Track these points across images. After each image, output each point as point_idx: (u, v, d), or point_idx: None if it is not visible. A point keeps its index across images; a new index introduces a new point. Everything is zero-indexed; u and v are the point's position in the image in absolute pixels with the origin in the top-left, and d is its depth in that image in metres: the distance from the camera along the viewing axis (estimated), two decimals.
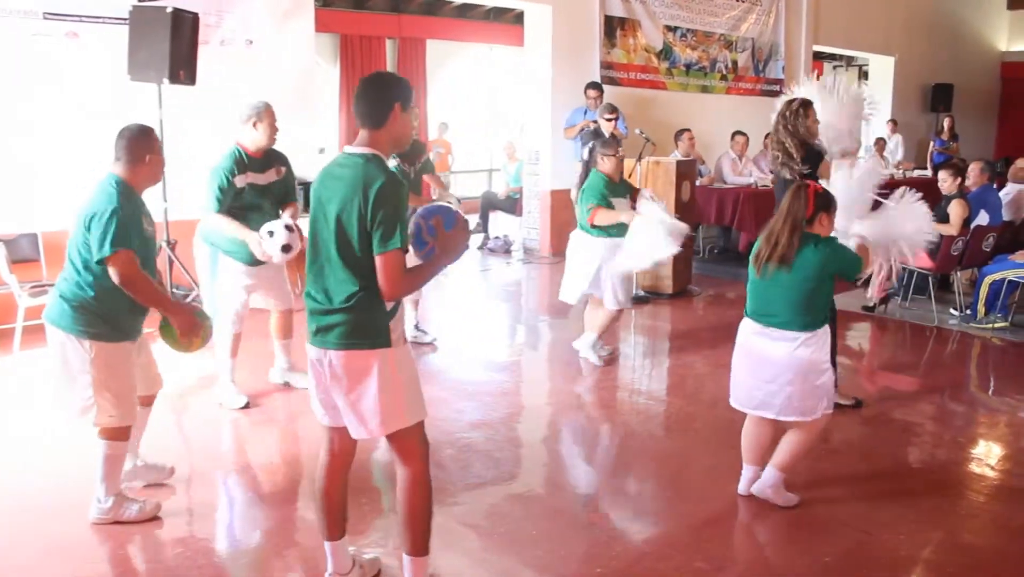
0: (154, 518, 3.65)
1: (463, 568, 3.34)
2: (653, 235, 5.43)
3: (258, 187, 4.78)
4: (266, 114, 4.76)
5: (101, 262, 3.37)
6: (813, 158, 4.88)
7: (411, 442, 2.92)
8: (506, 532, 3.62)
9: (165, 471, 4.01)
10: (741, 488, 3.92)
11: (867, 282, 4.96)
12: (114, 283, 3.40)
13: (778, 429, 3.87)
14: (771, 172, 5.16)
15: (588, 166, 5.97)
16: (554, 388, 5.82)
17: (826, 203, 3.67)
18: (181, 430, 4.78)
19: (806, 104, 4.97)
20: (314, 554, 3.44)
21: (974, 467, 4.44)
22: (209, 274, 4.90)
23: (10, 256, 6.16)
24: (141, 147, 3.54)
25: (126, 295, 3.45)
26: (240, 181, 4.69)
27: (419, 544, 2.97)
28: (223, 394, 5.02)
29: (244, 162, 4.72)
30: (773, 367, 3.66)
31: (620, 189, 5.84)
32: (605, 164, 5.77)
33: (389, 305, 2.84)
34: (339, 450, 3.04)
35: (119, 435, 3.58)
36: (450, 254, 2.90)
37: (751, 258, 3.78)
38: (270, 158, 4.86)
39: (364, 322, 2.80)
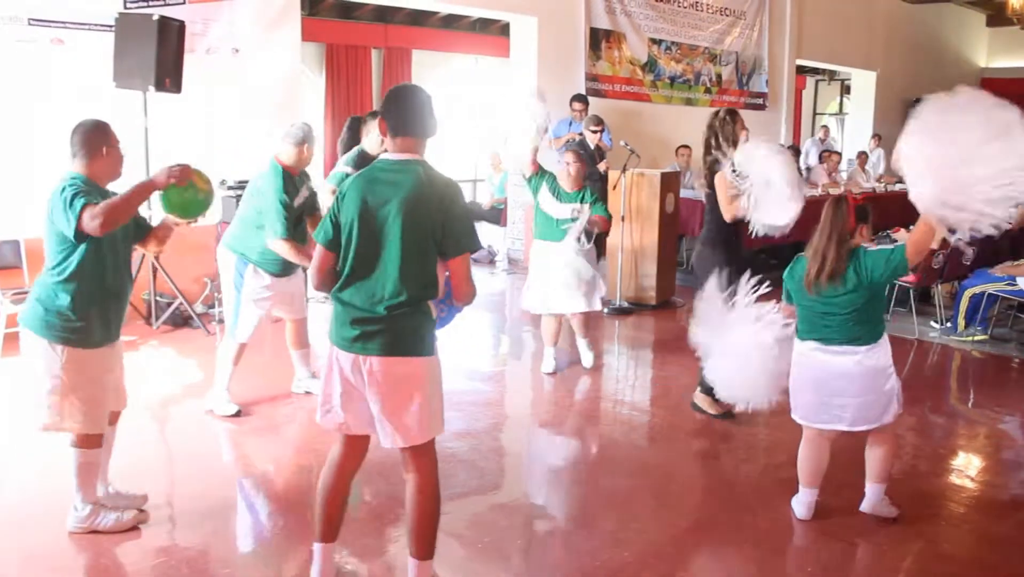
0: (132, 528, 3.62)
1: None
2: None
3: (299, 205, 4.85)
4: (313, 138, 4.86)
5: (77, 235, 3.27)
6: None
7: (429, 450, 2.97)
8: (490, 542, 3.63)
9: (138, 499, 3.81)
10: (802, 513, 3.84)
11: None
12: (88, 287, 3.38)
13: (834, 447, 3.86)
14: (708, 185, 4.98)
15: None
16: (538, 398, 5.83)
17: (864, 215, 3.66)
18: (164, 438, 4.76)
19: (732, 112, 5.00)
20: (299, 563, 3.44)
21: (954, 478, 4.48)
22: (233, 283, 4.88)
23: None
24: (97, 140, 3.49)
25: (100, 300, 3.44)
26: (295, 201, 4.77)
27: (429, 548, 3.02)
28: (214, 402, 5.00)
29: (291, 181, 4.78)
30: (840, 381, 3.64)
31: (571, 196, 5.83)
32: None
33: (435, 313, 2.88)
34: (353, 453, 3.06)
35: (90, 442, 3.53)
36: (472, 298, 2.93)
37: (800, 282, 3.70)
38: (302, 177, 4.95)
39: (413, 329, 2.83)
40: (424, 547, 3.00)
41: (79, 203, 3.26)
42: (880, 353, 3.62)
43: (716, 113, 4.99)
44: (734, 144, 4.82)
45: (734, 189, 4.58)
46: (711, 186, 4.89)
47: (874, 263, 3.55)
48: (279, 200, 4.66)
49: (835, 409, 3.69)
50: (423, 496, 2.96)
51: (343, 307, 2.87)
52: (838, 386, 3.66)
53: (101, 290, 3.46)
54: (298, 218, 4.83)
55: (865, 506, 3.83)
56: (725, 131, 4.86)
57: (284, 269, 4.89)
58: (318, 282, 2.94)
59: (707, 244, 5.02)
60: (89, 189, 3.36)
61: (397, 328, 2.81)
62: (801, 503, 3.86)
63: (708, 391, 4.97)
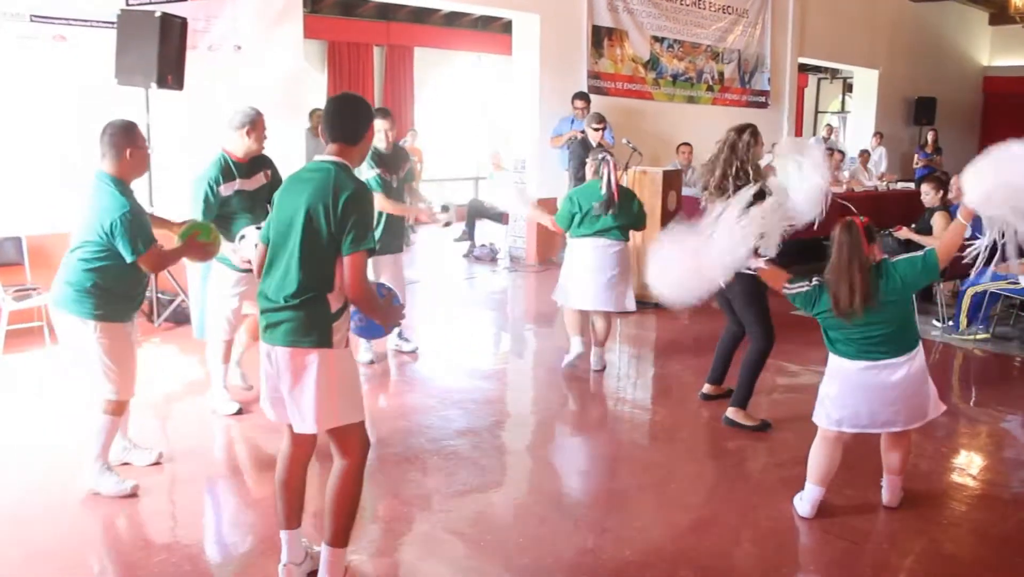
0: (131, 495, 3.85)
1: (448, 576, 3.34)
2: None
3: (247, 192, 4.75)
4: (259, 122, 4.76)
5: (134, 261, 3.70)
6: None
7: (350, 439, 3.06)
8: (492, 540, 3.63)
9: (154, 453, 4.28)
10: (806, 511, 3.84)
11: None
12: (115, 270, 3.72)
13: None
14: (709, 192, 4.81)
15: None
16: (540, 396, 5.83)
17: (872, 236, 3.60)
18: (167, 435, 4.76)
19: (756, 134, 4.77)
20: None
21: (956, 477, 4.47)
22: (200, 280, 4.88)
23: None
24: (122, 142, 3.75)
25: (125, 281, 3.78)
26: (226, 190, 4.66)
27: (339, 535, 3.09)
28: (215, 400, 5.00)
29: (231, 169, 4.70)
30: (894, 390, 3.65)
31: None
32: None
33: (335, 307, 2.98)
34: (299, 443, 3.18)
35: (119, 409, 3.88)
36: (387, 316, 3.13)
37: (830, 315, 3.64)
38: (256, 163, 4.84)
39: (309, 321, 2.94)
40: (336, 533, 3.07)
41: (144, 245, 3.70)
42: (921, 352, 3.68)
43: (740, 134, 4.71)
44: (755, 167, 4.68)
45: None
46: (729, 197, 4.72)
47: (906, 271, 3.55)
48: (203, 186, 4.61)
49: (887, 414, 3.70)
50: (341, 480, 3.05)
51: (259, 299, 3.05)
52: (893, 394, 3.67)
53: (128, 276, 3.79)
54: (247, 207, 4.72)
55: (891, 501, 3.93)
56: (749, 154, 4.67)
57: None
58: (257, 275, 3.14)
59: None
60: (137, 213, 3.72)
61: (295, 319, 2.93)
62: (806, 500, 3.85)
63: (741, 404, 4.92)
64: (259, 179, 4.84)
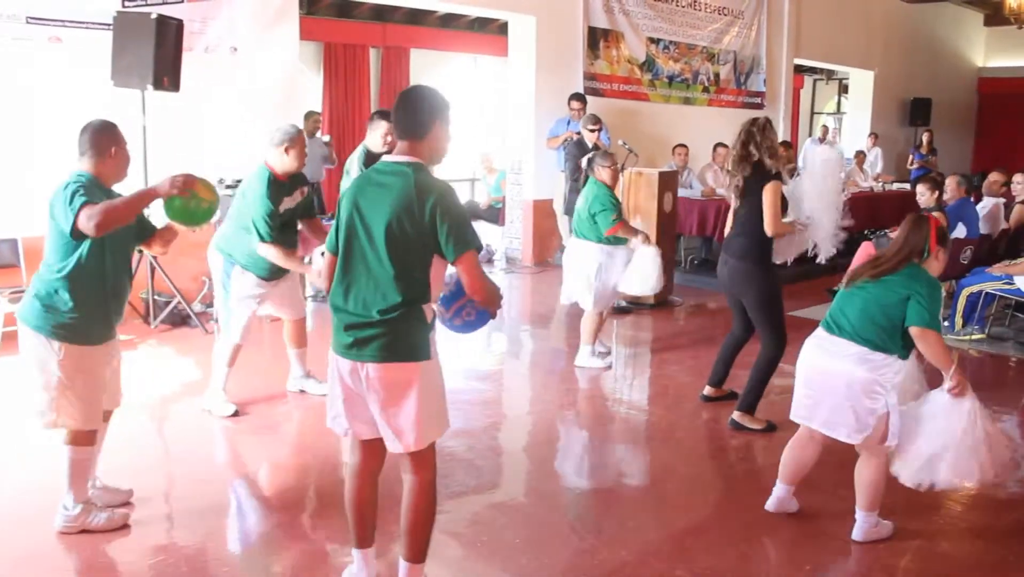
0: (123, 527, 3.61)
1: None
2: (650, 271, 5.90)
3: (289, 210, 4.83)
4: (299, 140, 4.77)
5: (74, 231, 3.28)
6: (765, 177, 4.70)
7: (428, 453, 2.95)
8: (488, 541, 3.63)
9: (123, 493, 3.87)
10: (769, 506, 3.85)
11: None
12: (88, 285, 3.39)
13: (820, 450, 3.78)
14: (735, 186, 4.84)
15: (586, 175, 6.20)
16: (536, 397, 5.84)
17: (944, 239, 3.56)
18: (162, 437, 4.76)
19: (770, 121, 4.82)
20: (296, 561, 3.44)
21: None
22: (221, 284, 4.89)
23: None
24: (106, 141, 3.51)
25: (99, 299, 3.45)
26: (281, 206, 4.73)
27: (420, 551, 3.00)
28: (211, 401, 4.99)
29: (279, 186, 4.73)
30: (825, 376, 3.55)
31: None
32: (604, 174, 6.05)
33: (430, 317, 2.86)
34: (372, 455, 3.04)
35: (84, 440, 3.53)
36: (497, 302, 2.96)
37: (846, 277, 3.68)
38: (295, 180, 4.88)
39: (407, 334, 2.80)
40: (417, 550, 2.99)
41: (79, 201, 3.26)
42: (877, 367, 3.46)
43: (755, 121, 4.76)
44: (771, 155, 4.68)
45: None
46: (746, 195, 4.74)
47: (914, 304, 3.41)
48: (263, 206, 4.64)
49: (816, 406, 3.61)
50: (419, 498, 2.95)
51: (337, 313, 2.87)
52: (822, 381, 3.57)
53: (101, 289, 3.46)
54: (288, 222, 4.82)
55: (856, 534, 3.65)
56: (764, 140, 4.67)
57: (272, 273, 4.85)
58: (328, 287, 2.96)
59: (747, 259, 4.77)
60: (92, 188, 3.37)
61: (390, 333, 2.78)
62: (772, 495, 3.85)
63: (748, 408, 4.89)
64: (297, 196, 4.88)
